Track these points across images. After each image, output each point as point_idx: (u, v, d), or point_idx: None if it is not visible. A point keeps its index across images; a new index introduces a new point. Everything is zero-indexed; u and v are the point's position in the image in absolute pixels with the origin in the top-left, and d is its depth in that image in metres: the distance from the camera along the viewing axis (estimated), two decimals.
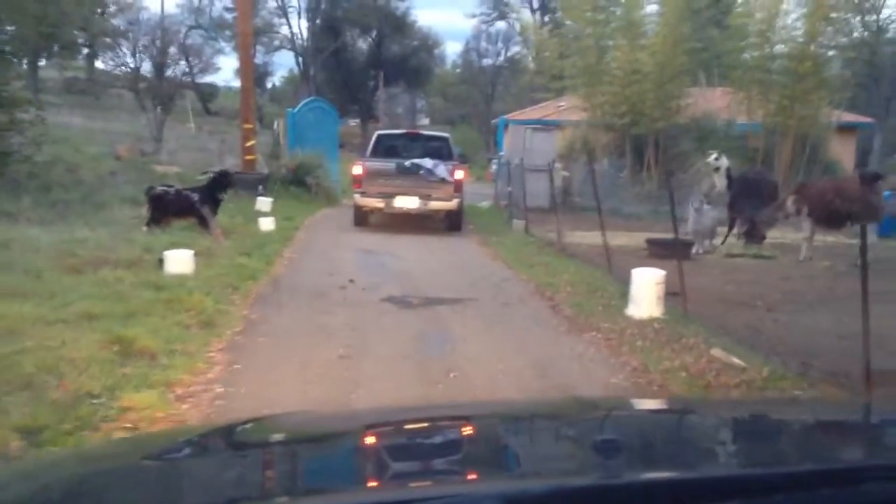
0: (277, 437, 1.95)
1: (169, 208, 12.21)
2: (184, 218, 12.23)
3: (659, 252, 11.91)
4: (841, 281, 10.41)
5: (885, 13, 47.14)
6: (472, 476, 1.56)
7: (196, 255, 8.99)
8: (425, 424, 2.00)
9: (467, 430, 1.95)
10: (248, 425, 2.03)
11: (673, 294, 8.06)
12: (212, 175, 12.99)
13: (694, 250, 12.66)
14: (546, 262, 11.10)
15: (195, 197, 12.27)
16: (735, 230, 13.27)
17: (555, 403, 3.07)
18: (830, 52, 24.95)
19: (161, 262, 8.74)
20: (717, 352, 6.02)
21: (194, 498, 1.52)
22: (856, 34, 45.00)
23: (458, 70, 66.43)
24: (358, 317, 7.48)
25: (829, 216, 11.92)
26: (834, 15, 23.20)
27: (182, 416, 4.50)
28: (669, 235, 13.04)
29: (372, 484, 1.54)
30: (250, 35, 19.62)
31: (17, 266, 8.07)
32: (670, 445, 1.80)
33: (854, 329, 7.21)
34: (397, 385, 5.37)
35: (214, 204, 12.37)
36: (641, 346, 6.41)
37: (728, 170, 14.20)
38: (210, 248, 10.25)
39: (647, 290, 7.52)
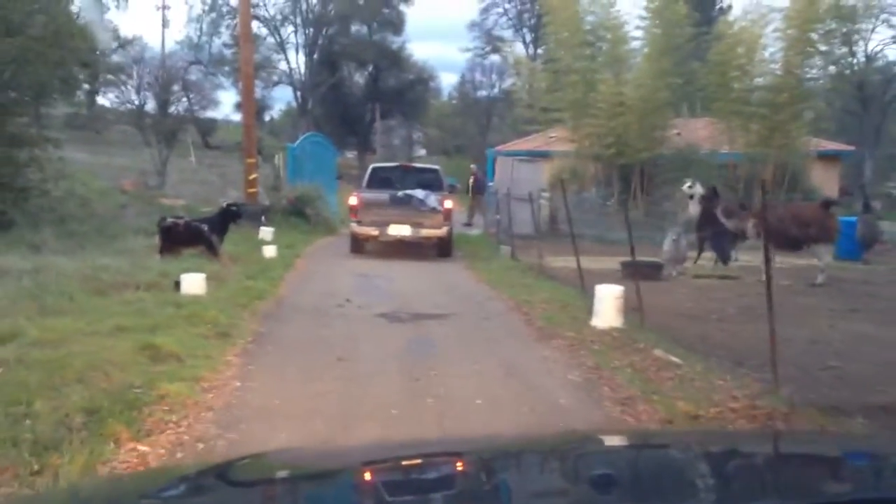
0: (273, 475, 1.98)
1: (179, 238, 13.24)
2: (193, 247, 13.25)
3: (630, 273, 12.92)
4: (793, 297, 11.43)
5: (872, 44, 48.25)
6: None
7: (208, 278, 10.02)
8: (421, 461, 2.01)
9: (463, 467, 1.96)
10: (243, 463, 2.07)
11: (637, 309, 9.08)
12: (223, 206, 14.02)
13: (665, 273, 13.65)
14: (527, 283, 12.12)
15: (204, 227, 13.33)
16: (703, 253, 14.30)
17: (551, 438, 3.18)
18: (814, 83, 25.79)
19: (177, 284, 9.76)
20: (658, 352, 7.05)
21: None
22: (843, 63, 46.38)
23: (454, 101, 67.57)
24: (354, 330, 8.51)
25: (787, 239, 12.93)
26: (811, 49, 24.15)
27: (208, 403, 5.52)
28: (644, 259, 14.18)
29: None
30: (252, 76, 20.79)
31: (51, 289, 9.08)
32: (668, 480, 1.81)
33: (788, 335, 8.29)
34: (387, 380, 6.39)
35: (222, 233, 13.41)
36: (598, 349, 7.44)
37: (702, 197, 15.22)
38: (219, 272, 11.26)
39: (607, 303, 8.54)
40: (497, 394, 6.11)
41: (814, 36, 24.37)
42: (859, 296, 11.71)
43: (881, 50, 48.49)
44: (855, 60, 47.11)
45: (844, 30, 41.80)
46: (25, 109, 15.23)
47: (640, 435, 3.25)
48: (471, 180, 25.93)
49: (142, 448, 4.50)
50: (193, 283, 9.67)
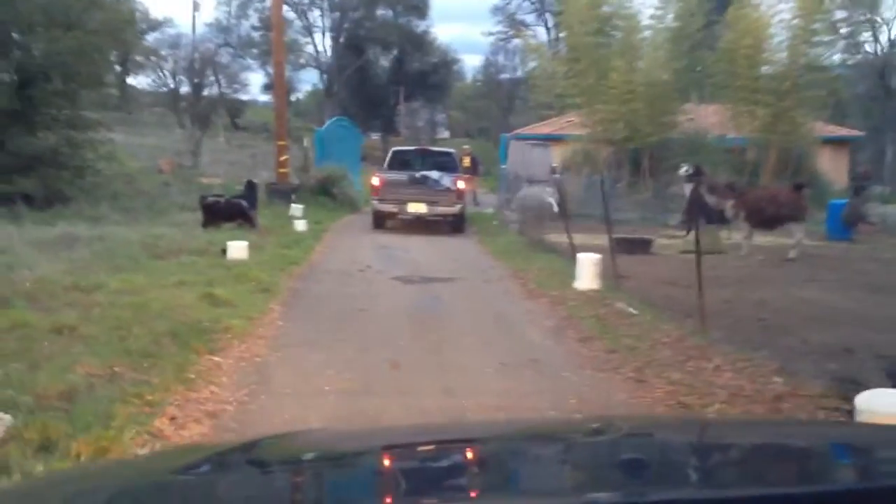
0: (295, 455, 2.02)
1: (220, 212, 14.97)
2: (232, 220, 14.95)
3: (624, 248, 14.44)
4: (764, 270, 12.95)
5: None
6: (489, 497, 1.57)
7: (249, 246, 11.69)
8: (443, 445, 2.03)
9: (486, 451, 1.97)
10: (267, 442, 2.13)
11: (621, 276, 10.64)
12: (246, 182, 16.06)
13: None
14: (528, 255, 13.69)
15: (243, 203, 15.09)
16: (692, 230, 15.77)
17: (574, 422, 3.29)
18: (820, 71, 26.66)
19: (224, 251, 11.43)
20: (620, 305, 8.64)
21: None
22: (856, 50, 47.17)
23: (478, 83, 68.60)
24: (373, 289, 10.16)
25: (763, 218, 14.38)
26: (817, 38, 25.13)
27: (259, 334, 7.19)
28: (636, 236, 15.71)
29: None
30: (283, 64, 22.41)
31: (118, 253, 10.79)
32: (692, 465, 1.83)
33: (744, 297, 9.86)
34: (398, 324, 8.04)
35: (255, 206, 15.22)
36: (573, 304, 9.02)
37: (687, 176, 16.65)
38: (257, 241, 12.92)
39: (587, 269, 10.10)
40: (485, 334, 7.73)
41: (817, 26, 25.34)
42: (823, 269, 13.13)
43: None
44: (878, 47, 47.96)
45: (863, 18, 42.58)
46: (79, 96, 16.89)
47: (656, 422, 3.19)
48: (467, 160, 27.15)
49: (216, 359, 6.16)
50: (238, 249, 11.34)
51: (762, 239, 15.73)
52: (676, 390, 5.68)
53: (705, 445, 2.08)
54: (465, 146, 30.64)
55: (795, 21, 24.97)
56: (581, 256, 10.33)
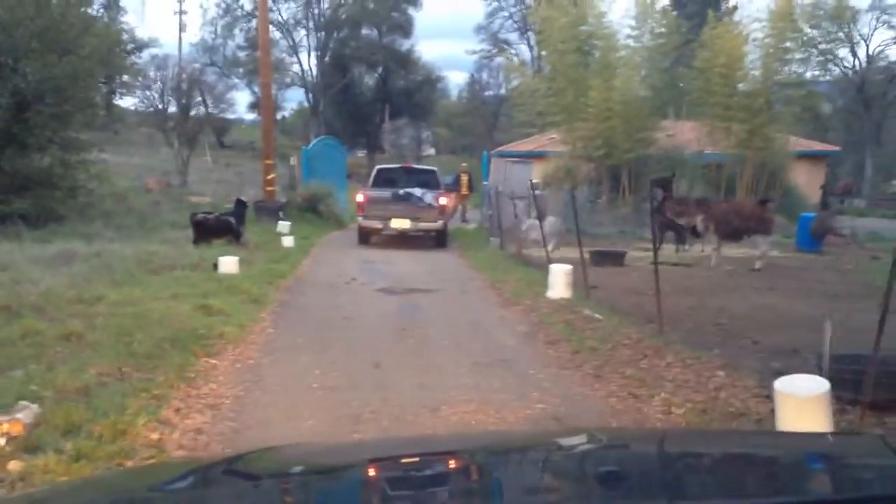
0: (279, 469, 2.02)
1: (210, 229, 15.54)
2: (221, 237, 15.52)
3: (599, 260, 15.12)
4: (730, 279, 13.63)
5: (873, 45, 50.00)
6: None
7: (239, 261, 12.27)
8: (427, 458, 2.05)
9: (467, 464, 2.00)
10: (251, 457, 2.14)
11: (593, 287, 11.28)
12: (236, 200, 16.65)
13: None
14: (506, 268, 14.33)
15: (231, 220, 15.68)
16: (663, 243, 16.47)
17: (558, 435, 3.29)
18: (794, 88, 27.37)
19: (215, 266, 12.00)
20: (587, 311, 9.27)
21: None
22: (847, 65, 48.28)
23: (463, 100, 69.33)
24: (358, 299, 10.76)
25: (730, 231, 15.09)
26: (789, 56, 25.91)
27: (251, 340, 7.78)
28: (610, 249, 16.37)
29: None
30: (270, 86, 23.05)
31: (115, 268, 11.36)
32: (669, 478, 1.86)
33: (706, 304, 10.50)
34: (380, 330, 8.65)
35: (243, 223, 15.83)
36: (545, 312, 9.66)
37: (651, 182, 17.35)
38: (247, 257, 13.50)
39: (559, 279, 10.75)
40: (461, 338, 8.35)
41: (790, 44, 26.15)
42: (785, 278, 13.82)
43: (882, 51, 49.89)
44: (857, 62, 49.02)
45: (840, 34, 43.46)
46: (72, 119, 17.47)
47: (641, 435, 3.26)
48: (465, 178, 27.94)
49: (213, 361, 6.76)
50: (229, 264, 11.92)
51: (734, 251, 16.45)
52: (629, 383, 6.32)
53: (681, 458, 2.09)
54: (464, 164, 31.46)
55: (768, 40, 25.69)
56: (553, 267, 10.99)
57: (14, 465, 4.02)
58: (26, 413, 4.53)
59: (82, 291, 9.33)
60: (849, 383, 5.35)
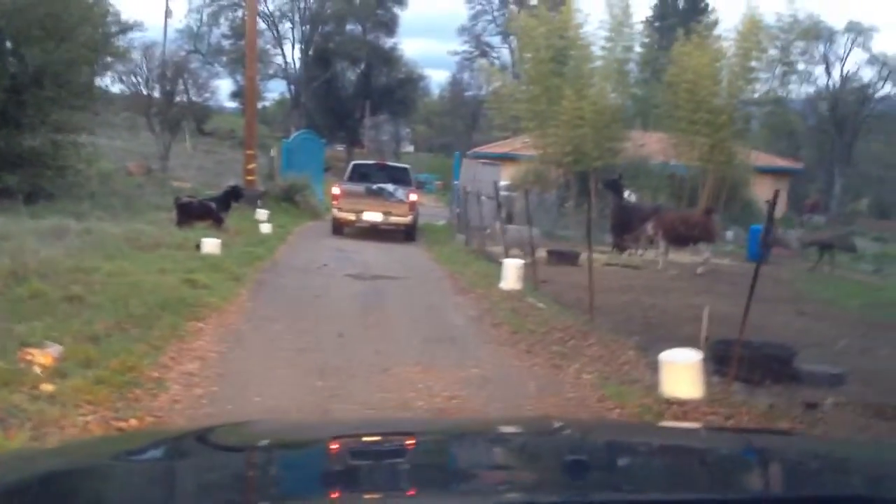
0: (246, 443, 2.06)
1: (192, 213, 16.55)
2: (203, 220, 16.53)
3: (555, 259, 16.33)
4: (672, 282, 14.85)
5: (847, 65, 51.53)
6: (429, 490, 1.60)
7: (221, 243, 13.33)
8: (389, 437, 2.10)
9: (430, 446, 2.04)
10: (221, 430, 2.16)
11: (543, 281, 12.45)
12: (228, 188, 17.47)
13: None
14: (467, 261, 15.49)
15: (212, 205, 16.70)
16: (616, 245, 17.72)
17: (518, 421, 3.36)
18: (758, 106, 28.54)
19: (198, 246, 13.05)
20: (530, 300, 10.46)
21: (152, 499, 1.61)
22: (821, 84, 49.80)
23: (444, 98, 70.23)
24: (328, 282, 11.87)
25: (677, 238, 16.34)
26: (753, 76, 27.03)
27: (232, 310, 8.88)
28: (566, 249, 17.53)
29: (333, 496, 1.58)
30: (255, 79, 24.07)
31: (106, 245, 12.37)
32: (637, 468, 1.89)
33: (643, 302, 11.67)
34: (346, 307, 9.78)
35: (227, 209, 16.81)
36: (495, 300, 10.82)
37: (604, 183, 18.59)
38: (228, 240, 14.54)
39: (511, 272, 11.91)
40: (417, 318, 9.50)
41: (755, 63, 27.31)
42: (724, 283, 15.03)
43: (856, 71, 51.53)
44: (829, 80, 50.67)
45: (814, 53, 44.75)
46: (67, 103, 18.40)
47: (599, 424, 3.37)
48: None
49: (199, 324, 7.85)
50: (211, 245, 12.98)
51: (684, 258, 17.71)
52: (553, 357, 7.50)
53: (643, 448, 2.12)
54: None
55: (734, 59, 26.81)
56: (506, 261, 12.16)
57: (47, 387, 5.08)
58: (53, 349, 5.61)
59: (78, 262, 10.34)
60: (724, 360, 6.54)
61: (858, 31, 49.07)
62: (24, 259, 10.02)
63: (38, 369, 5.30)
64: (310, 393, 5.97)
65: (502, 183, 24.49)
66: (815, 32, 37.41)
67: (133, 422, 4.84)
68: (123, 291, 8.64)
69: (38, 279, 8.89)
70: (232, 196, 17.12)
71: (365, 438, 2.11)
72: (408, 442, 2.05)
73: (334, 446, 1.97)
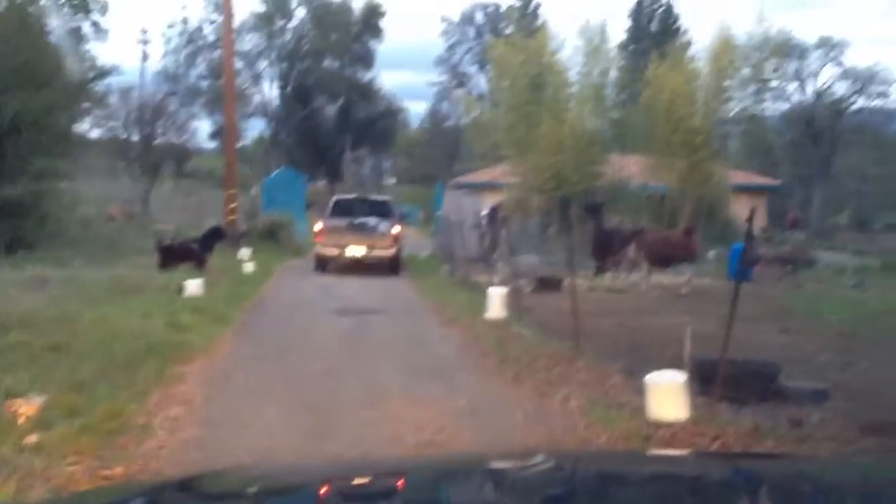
0: (233, 491, 2.01)
1: (175, 255, 16.54)
2: (186, 262, 16.51)
3: (539, 286, 16.38)
4: (655, 303, 14.93)
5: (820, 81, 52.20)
6: None
7: (204, 284, 13.31)
8: (379, 479, 2.07)
9: (420, 486, 2.01)
10: (203, 479, 2.13)
11: (527, 309, 12.49)
12: (210, 229, 17.51)
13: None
14: (452, 292, 15.50)
15: (195, 246, 16.70)
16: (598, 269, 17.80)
17: (514, 455, 3.22)
18: (732, 125, 28.87)
19: (181, 289, 13.02)
20: (515, 329, 10.48)
21: None
22: (796, 100, 50.40)
23: (424, 129, 70.57)
24: (313, 318, 11.88)
25: (659, 259, 16.44)
26: (727, 96, 27.30)
27: (218, 351, 8.85)
28: (550, 275, 17.55)
29: None
30: (234, 119, 24.17)
31: (88, 292, 12.33)
32: (628, 500, 1.86)
33: (628, 323, 11.72)
34: (332, 342, 9.78)
35: (209, 250, 16.80)
36: (480, 330, 10.85)
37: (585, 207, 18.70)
38: (211, 281, 14.52)
39: (495, 301, 11.94)
40: (403, 350, 9.52)
41: (729, 83, 27.61)
42: (707, 303, 15.08)
43: (829, 87, 52.18)
44: (803, 97, 51.31)
45: (787, 69, 45.32)
46: (46, 150, 18.43)
47: (602, 456, 3.32)
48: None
49: (184, 368, 7.82)
50: (194, 287, 12.95)
51: (666, 279, 17.79)
52: (540, 384, 7.52)
53: (633, 477, 2.10)
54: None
55: (707, 80, 27.12)
56: (491, 290, 12.19)
57: (32, 438, 5.06)
58: (36, 400, 5.58)
59: (61, 311, 10.29)
60: (709, 380, 6.57)
61: (830, 46, 49.80)
62: (6, 309, 10.01)
63: (22, 420, 5.28)
64: (298, 431, 5.96)
65: (484, 212, 24.63)
66: (787, 49, 37.95)
67: (119, 469, 4.81)
68: (107, 338, 8.61)
69: (20, 329, 8.85)
70: (214, 237, 17.12)
71: (354, 481, 2.08)
72: (398, 482, 2.02)
73: (324, 490, 1.93)
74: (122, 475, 4.72)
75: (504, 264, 17.31)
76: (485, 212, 24.69)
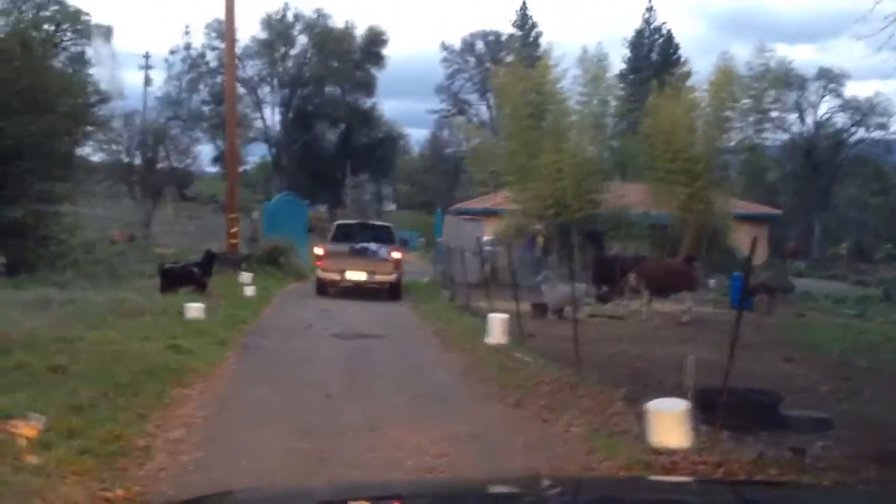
0: None
1: (176, 278, 16.55)
2: (187, 286, 16.52)
3: (540, 312, 16.36)
4: (656, 331, 14.90)
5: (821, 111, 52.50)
6: None
7: (205, 308, 13.30)
8: (378, 502, 2.07)
9: None
10: (208, 501, 2.18)
11: (531, 335, 12.48)
12: (206, 251, 17.67)
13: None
14: (452, 318, 15.49)
15: (196, 270, 16.72)
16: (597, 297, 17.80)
17: (514, 481, 3.25)
18: (733, 154, 28.97)
19: (181, 312, 13.01)
20: (517, 355, 10.46)
21: None
22: (796, 130, 50.64)
23: (424, 156, 70.80)
24: (314, 342, 11.87)
25: (660, 287, 16.44)
26: (728, 125, 27.40)
27: (218, 374, 8.83)
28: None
29: None
30: (236, 144, 24.26)
31: (90, 314, 12.33)
32: None
33: (631, 351, 11.72)
34: (332, 367, 9.75)
35: (209, 274, 16.83)
36: (481, 355, 10.83)
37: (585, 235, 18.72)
38: (212, 305, 14.51)
39: (496, 327, 11.92)
40: (403, 375, 9.51)
41: (728, 114, 27.72)
42: (707, 331, 15.08)
43: (829, 118, 52.51)
44: (804, 128, 51.61)
45: (787, 100, 45.51)
46: (49, 173, 18.50)
47: (603, 482, 3.30)
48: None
49: (185, 391, 7.80)
50: (195, 310, 12.93)
51: (668, 307, 17.78)
52: (542, 410, 7.50)
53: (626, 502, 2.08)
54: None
55: (708, 109, 27.21)
56: (491, 316, 12.17)
57: (31, 459, 5.04)
58: (37, 421, 5.57)
59: (62, 332, 10.28)
60: (711, 408, 6.56)
61: (830, 78, 50.09)
62: (8, 331, 10.00)
63: (22, 441, 5.26)
64: (298, 455, 5.94)
65: (485, 238, 24.65)
66: (787, 80, 38.14)
67: (119, 492, 4.80)
68: (108, 360, 8.60)
69: (21, 350, 8.84)
70: (212, 261, 17.24)
71: None
72: None
73: None
74: (123, 497, 4.70)
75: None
76: (486, 238, 24.73)
